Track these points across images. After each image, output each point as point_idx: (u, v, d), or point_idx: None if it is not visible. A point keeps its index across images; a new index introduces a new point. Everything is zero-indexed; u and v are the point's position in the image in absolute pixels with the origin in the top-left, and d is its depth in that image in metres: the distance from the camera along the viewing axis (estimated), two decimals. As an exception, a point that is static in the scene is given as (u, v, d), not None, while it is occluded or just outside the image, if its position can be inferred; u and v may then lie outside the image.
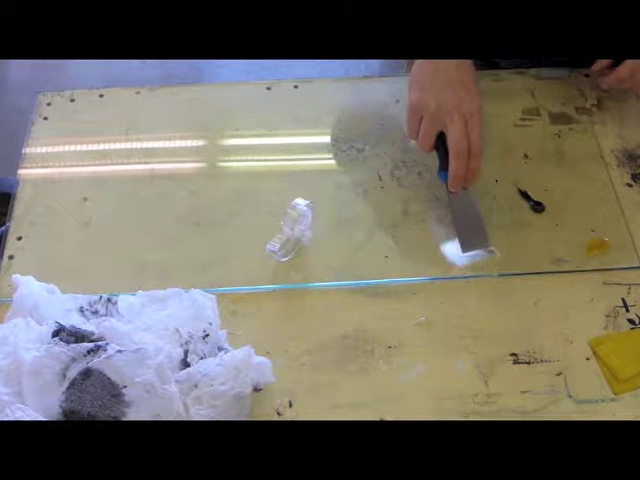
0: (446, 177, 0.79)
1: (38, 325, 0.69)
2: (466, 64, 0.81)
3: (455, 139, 0.77)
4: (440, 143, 0.80)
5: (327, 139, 0.93)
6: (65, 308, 0.74)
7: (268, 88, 0.98)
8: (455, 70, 0.80)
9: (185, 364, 0.70)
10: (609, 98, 0.96)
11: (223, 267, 0.81)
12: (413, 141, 0.82)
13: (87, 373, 0.66)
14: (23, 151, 0.91)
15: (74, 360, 0.67)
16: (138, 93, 0.97)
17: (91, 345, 0.67)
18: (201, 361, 0.70)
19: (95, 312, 0.74)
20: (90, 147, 0.92)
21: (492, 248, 0.82)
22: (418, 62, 0.82)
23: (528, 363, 0.74)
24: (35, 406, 0.65)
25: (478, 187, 0.85)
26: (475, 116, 0.78)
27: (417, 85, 0.81)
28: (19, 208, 0.86)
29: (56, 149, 0.92)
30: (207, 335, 0.72)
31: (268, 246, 0.79)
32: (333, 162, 0.91)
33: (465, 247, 0.81)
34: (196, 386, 0.68)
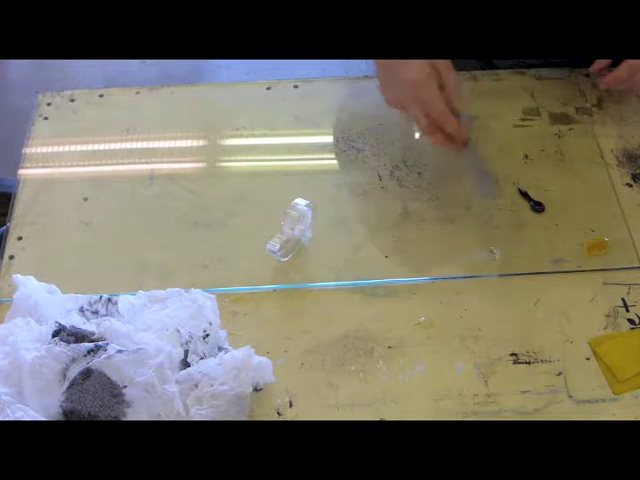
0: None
1: (38, 325, 0.70)
2: None
3: (434, 110, 0.78)
4: None
5: (327, 139, 0.93)
6: (65, 308, 0.74)
7: (268, 88, 0.98)
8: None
9: (185, 364, 0.70)
10: (609, 98, 0.96)
11: (223, 267, 0.81)
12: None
13: (87, 373, 0.66)
14: (23, 151, 0.91)
15: (74, 360, 0.67)
16: (138, 93, 0.97)
17: (91, 345, 0.67)
18: (201, 361, 0.70)
19: (95, 312, 0.74)
20: (90, 147, 0.92)
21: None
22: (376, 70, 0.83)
23: (528, 363, 0.74)
24: (35, 406, 0.65)
25: (478, 187, 0.86)
26: (430, 76, 0.77)
27: (382, 87, 0.82)
28: (19, 208, 0.86)
29: (56, 149, 0.92)
30: (207, 335, 0.72)
31: (268, 246, 0.79)
32: (333, 162, 0.91)
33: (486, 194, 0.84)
34: (196, 386, 0.68)
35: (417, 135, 0.92)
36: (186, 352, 0.71)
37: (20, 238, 0.83)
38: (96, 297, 0.75)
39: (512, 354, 0.75)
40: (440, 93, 0.77)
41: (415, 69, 0.77)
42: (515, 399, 0.72)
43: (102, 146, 0.92)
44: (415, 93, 0.78)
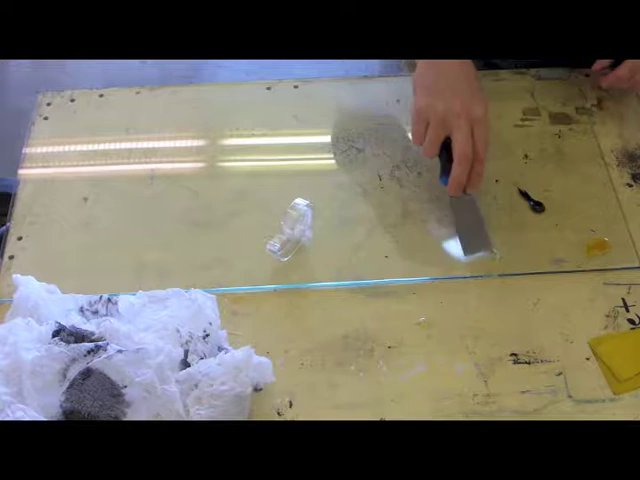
0: (447, 182, 0.79)
1: (38, 325, 0.69)
2: (469, 66, 0.81)
3: (461, 145, 0.77)
4: (443, 148, 0.80)
5: (327, 139, 0.93)
6: (65, 308, 0.74)
7: (268, 88, 0.98)
8: (459, 73, 0.80)
9: (185, 364, 0.70)
10: (609, 98, 0.96)
11: (223, 267, 0.81)
12: (417, 147, 0.82)
13: (87, 373, 0.66)
14: (23, 151, 0.91)
15: (74, 360, 0.67)
16: (138, 93, 0.97)
17: (91, 345, 0.67)
18: (201, 361, 0.70)
19: (95, 312, 0.74)
20: (90, 147, 0.92)
21: (494, 250, 0.82)
22: (421, 66, 0.82)
23: (528, 363, 0.74)
24: (35, 406, 0.65)
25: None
26: (481, 121, 0.78)
27: (423, 90, 0.81)
28: (19, 208, 0.86)
29: (56, 149, 0.92)
30: (207, 335, 0.72)
31: (268, 246, 0.79)
32: (333, 162, 0.91)
33: (467, 251, 0.81)
34: (196, 386, 0.68)
35: None
36: (186, 352, 0.71)
37: (20, 238, 0.83)
38: (96, 297, 0.75)
39: (512, 354, 0.75)
40: None
41: (483, 103, 0.79)
42: (515, 399, 0.72)
43: (102, 146, 0.92)
44: (465, 122, 0.77)
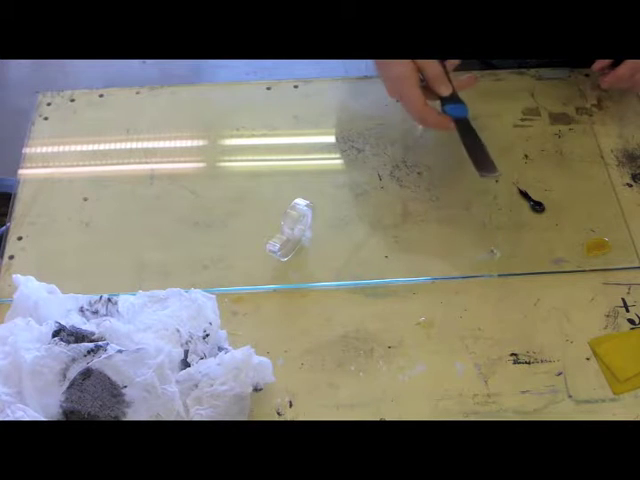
0: (449, 110, 0.81)
1: (38, 325, 0.70)
2: None
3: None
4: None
5: (327, 139, 0.93)
6: (65, 308, 0.74)
7: (268, 88, 0.98)
8: None
9: (185, 364, 0.70)
10: (609, 98, 0.96)
11: (223, 267, 0.81)
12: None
13: (87, 373, 0.66)
14: (23, 151, 0.91)
15: (74, 360, 0.67)
16: (138, 93, 0.97)
17: (91, 345, 0.67)
18: (201, 361, 0.70)
19: (95, 312, 0.74)
20: (90, 147, 0.92)
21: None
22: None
23: (528, 363, 0.74)
24: (35, 406, 0.65)
25: (478, 186, 0.85)
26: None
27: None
28: (19, 208, 0.86)
29: (56, 149, 0.92)
30: (207, 335, 0.72)
31: (268, 246, 0.79)
32: (333, 162, 0.91)
33: (482, 171, 0.81)
34: (196, 386, 0.68)
35: (418, 132, 0.92)
36: (186, 352, 0.71)
37: (20, 238, 0.83)
38: (96, 297, 0.75)
39: (512, 354, 0.75)
40: (420, 88, 0.80)
41: (397, 66, 0.80)
42: (515, 399, 0.72)
43: (102, 146, 0.92)
44: (398, 88, 0.82)
